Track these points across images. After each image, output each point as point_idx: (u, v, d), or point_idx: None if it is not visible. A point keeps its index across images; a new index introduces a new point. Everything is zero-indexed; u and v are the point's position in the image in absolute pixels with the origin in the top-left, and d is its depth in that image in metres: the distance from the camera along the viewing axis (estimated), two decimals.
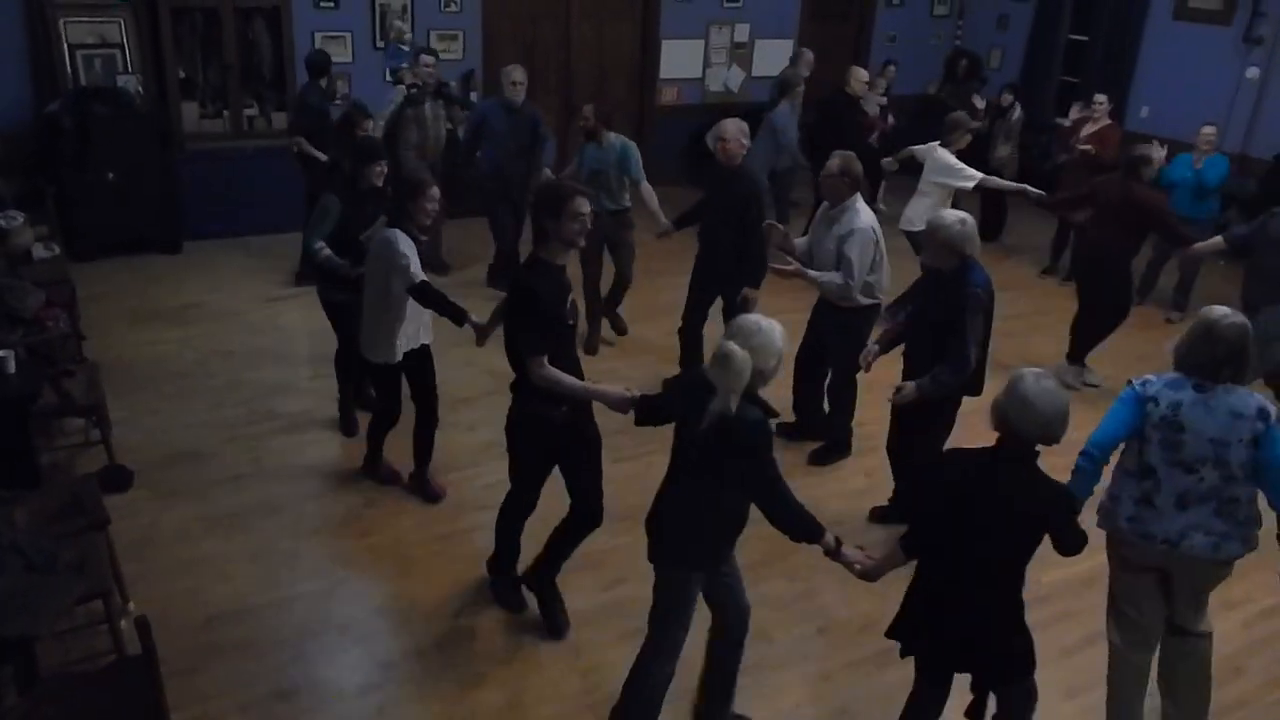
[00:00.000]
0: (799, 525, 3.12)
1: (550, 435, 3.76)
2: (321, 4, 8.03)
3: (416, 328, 4.61)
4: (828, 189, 4.89)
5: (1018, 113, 8.71)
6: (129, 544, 4.22)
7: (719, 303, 5.70)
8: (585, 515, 3.93)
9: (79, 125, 7.04)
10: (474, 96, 8.32)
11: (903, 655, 3.22)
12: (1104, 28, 9.76)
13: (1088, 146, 7.66)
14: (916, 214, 6.68)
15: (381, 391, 4.84)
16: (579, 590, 4.21)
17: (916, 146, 7.05)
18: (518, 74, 6.76)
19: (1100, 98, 7.91)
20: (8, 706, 3.08)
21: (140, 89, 7.43)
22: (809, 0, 10.18)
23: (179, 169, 7.61)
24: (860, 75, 8.29)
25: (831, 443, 5.35)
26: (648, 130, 9.54)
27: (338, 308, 5.06)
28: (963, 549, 2.92)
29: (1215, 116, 8.34)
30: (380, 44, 8.34)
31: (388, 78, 8.07)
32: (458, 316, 4.30)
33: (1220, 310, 3.25)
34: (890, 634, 3.21)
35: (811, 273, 4.87)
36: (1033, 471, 2.90)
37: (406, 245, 4.31)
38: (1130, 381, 3.36)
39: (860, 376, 4.93)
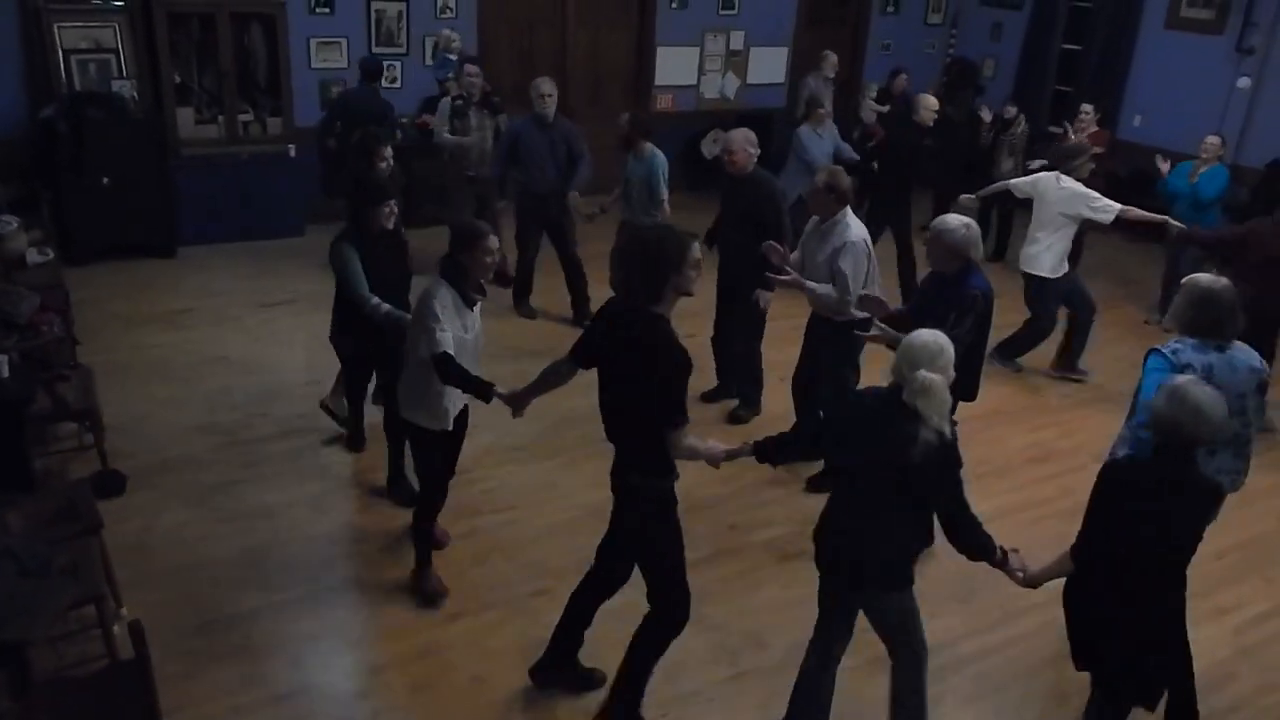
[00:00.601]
0: (982, 542, 3.17)
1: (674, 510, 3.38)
2: (317, 9, 8.04)
3: (454, 394, 3.97)
4: (816, 204, 4.87)
5: (1023, 125, 8.66)
6: (123, 549, 4.20)
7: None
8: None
9: (74, 130, 7.04)
10: (444, 101, 8.31)
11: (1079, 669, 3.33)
12: (1097, 37, 9.82)
13: None
14: (1045, 254, 6.07)
15: (426, 467, 4.11)
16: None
17: (1018, 180, 6.42)
18: (546, 85, 6.50)
19: (1086, 107, 7.95)
20: (1, 712, 3.06)
21: (135, 94, 7.43)
22: (804, 8, 10.23)
23: (174, 174, 7.61)
24: (930, 104, 7.53)
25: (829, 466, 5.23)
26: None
27: (349, 360, 4.88)
28: (1134, 554, 3.04)
29: (1208, 126, 8.40)
30: (429, 62, 8.38)
31: (436, 90, 8.12)
32: (483, 393, 3.69)
33: (1206, 277, 3.75)
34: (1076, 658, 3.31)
35: (810, 284, 4.84)
36: (1196, 470, 3.07)
37: (444, 305, 3.72)
38: (1156, 350, 3.64)
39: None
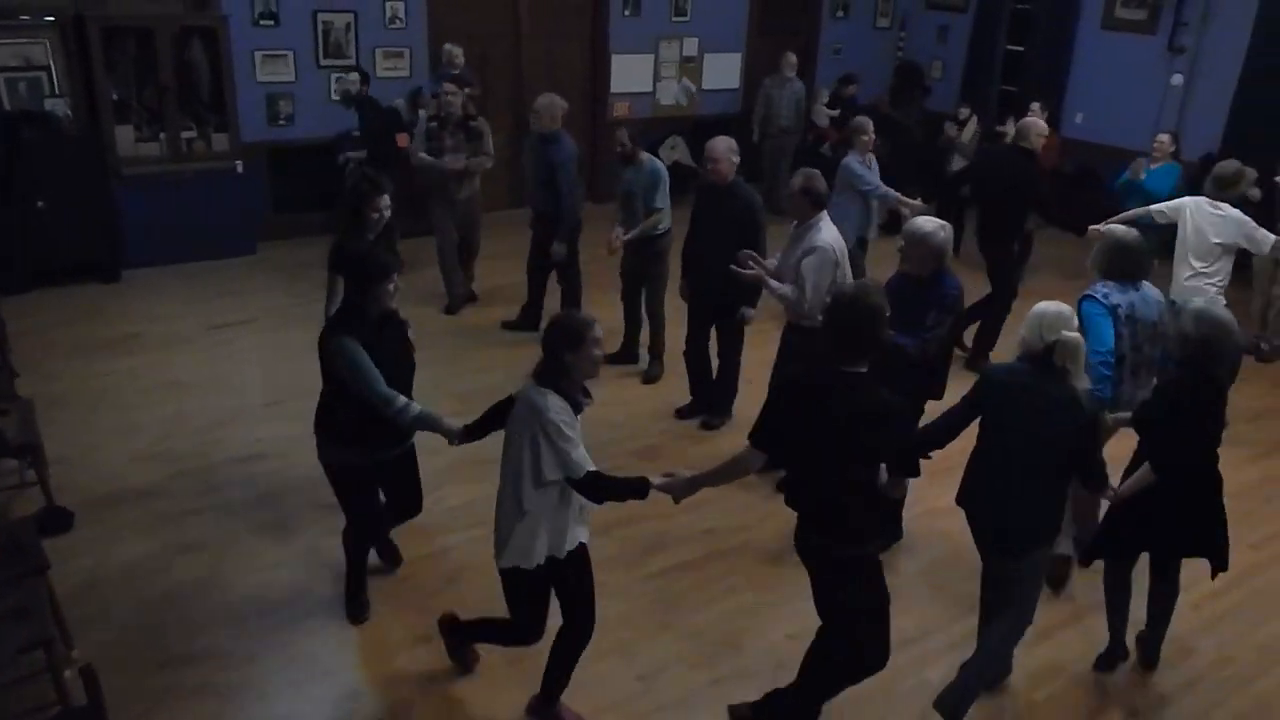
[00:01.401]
0: (1101, 472, 3.51)
1: None
2: (261, 22, 7.88)
3: (566, 522, 3.33)
4: (793, 207, 4.88)
5: (974, 127, 8.78)
6: (74, 588, 4.05)
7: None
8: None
9: (5, 151, 6.79)
10: (421, 115, 8.22)
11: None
12: (1039, 38, 10.01)
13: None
14: (1208, 285, 5.45)
15: (516, 607, 3.49)
16: (550, 611, 4.13)
17: (1160, 205, 5.84)
18: (537, 101, 6.32)
19: (1034, 106, 8.07)
20: None
21: (70, 112, 7.21)
22: (756, 14, 10.29)
23: (115, 195, 7.39)
24: (1040, 129, 6.62)
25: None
26: (600, 145, 9.54)
27: (345, 472, 3.88)
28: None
29: (1145, 122, 8.63)
30: (429, 76, 8.31)
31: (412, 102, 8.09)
32: (640, 492, 3.28)
33: (1120, 229, 4.54)
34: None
35: (772, 282, 4.83)
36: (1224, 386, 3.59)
37: (566, 416, 3.16)
38: (1088, 296, 4.21)
39: None
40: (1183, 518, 3.69)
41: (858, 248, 6.51)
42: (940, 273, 4.26)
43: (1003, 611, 3.60)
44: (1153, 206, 5.90)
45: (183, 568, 4.35)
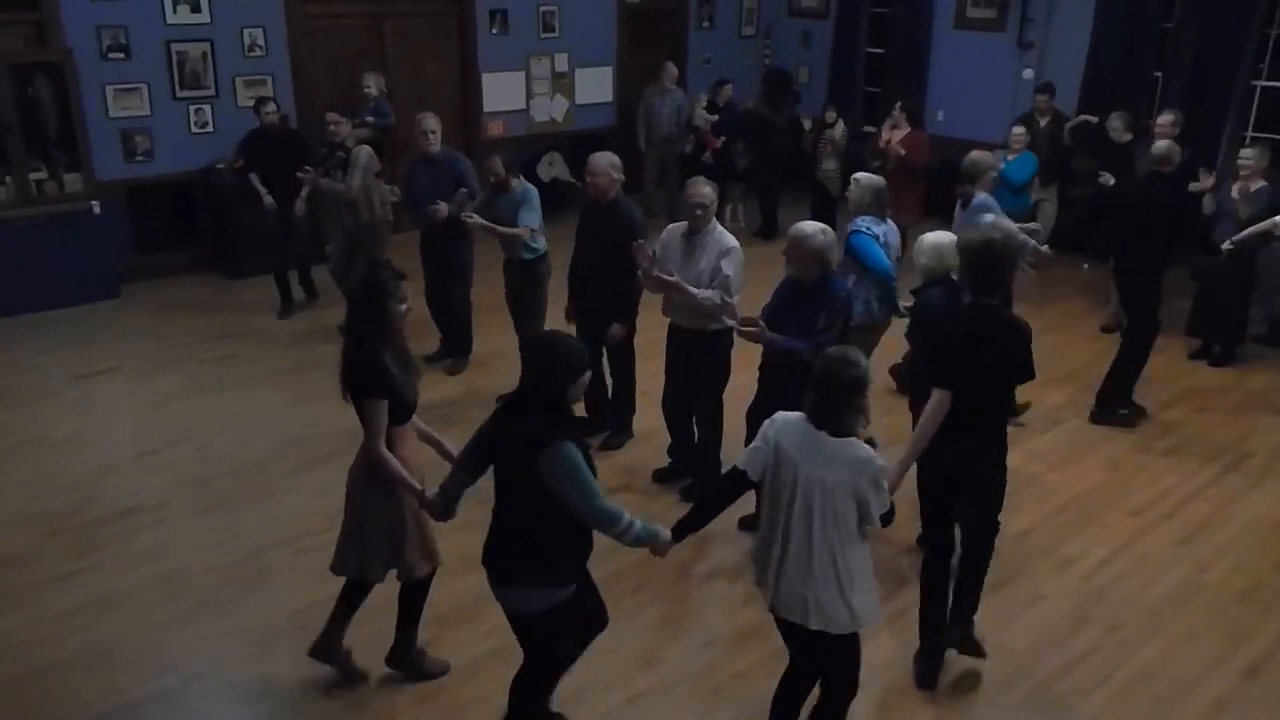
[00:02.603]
0: None
1: None
2: (110, 55, 7.54)
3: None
4: (696, 217, 4.81)
5: (842, 128, 9.02)
6: None
7: None
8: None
9: None
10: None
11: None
12: (897, 40, 10.39)
13: (901, 151, 8.08)
14: None
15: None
16: (459, 644, 4.07)
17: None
18: (428, 122, 6.25)
19: (897, 107, 8.37)
20: None
21: None
22: (624, 27, 10.38)
23: None
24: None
25: (702, 476, 5.08)
26: (475, 164, 9.39)
27: (559, 615, 3.20)
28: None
29: (1000, 116, 9.04)
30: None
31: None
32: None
33: (869, 175, 5.49)
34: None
35: (692, 289, 4.73)
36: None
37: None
38: (857, 230, 5.12)
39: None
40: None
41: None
42: (827, 276, 4.36)
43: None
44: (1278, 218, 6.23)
45: (61, 636, 4.10)
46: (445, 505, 3.37)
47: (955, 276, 4.30)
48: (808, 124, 9.23)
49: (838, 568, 3.02)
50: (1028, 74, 9.39)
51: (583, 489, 2.97)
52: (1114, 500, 5.27)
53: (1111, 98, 8.65)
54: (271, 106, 7.16)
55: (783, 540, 3.06)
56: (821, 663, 3.26)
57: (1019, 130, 7.90)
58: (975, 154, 6.08)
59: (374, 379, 3.41)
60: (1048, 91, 8.57)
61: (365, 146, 6.86)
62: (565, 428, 3.01)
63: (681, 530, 3.29)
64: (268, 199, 7.17)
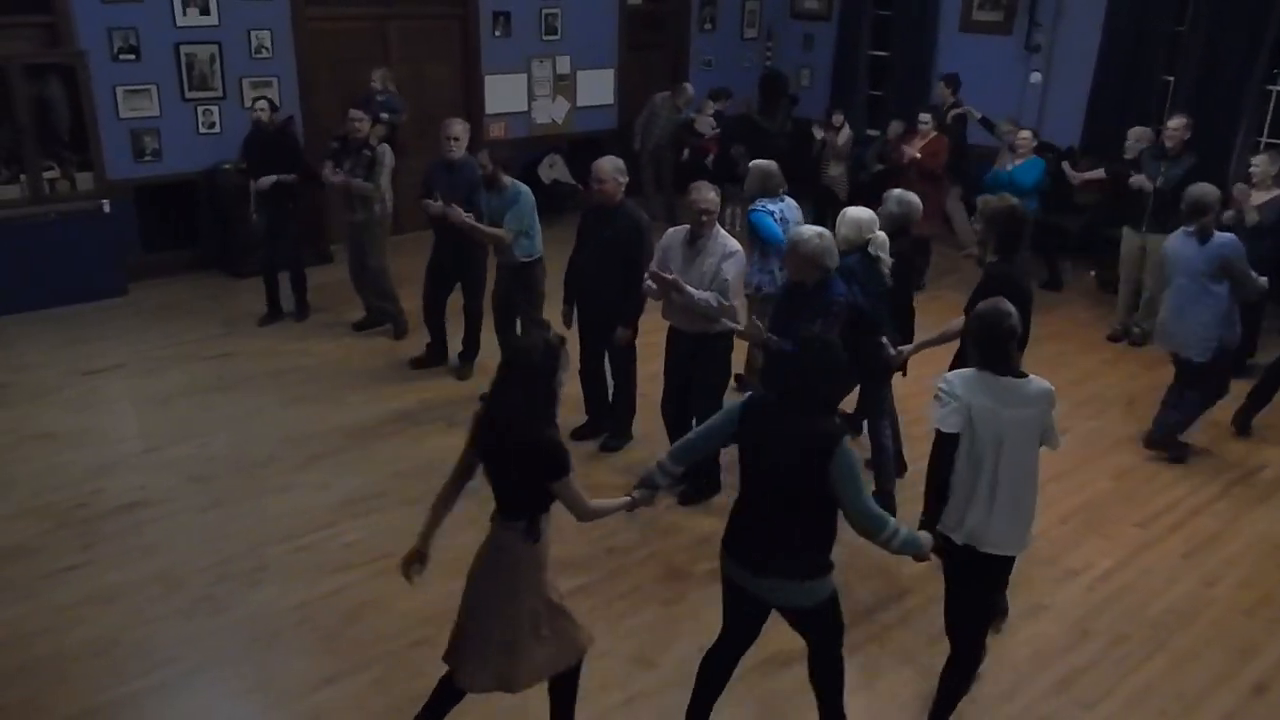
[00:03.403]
0: None
1: None
2: (121, 57, 7.61)
3: None
4: (702, 223, 4.83)
5: (848, 132, 8.96)
6: None
7: None
8: None
9: None
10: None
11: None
12: (900, 43, 10.38)
13: (917, 154, 8.06)
14: None
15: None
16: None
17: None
18: (453, 128, 6.18)
19: (925, 117, 8.35)
20: None
21: None
22: (625, 30, 10.41)
23: None
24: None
25: (700, 481, 5.12)
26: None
27: (834, 605, 3.34)
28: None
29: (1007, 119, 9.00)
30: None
31: None
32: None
33: (761, 161, 5.96)
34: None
35: (690, 290, 4.77)
36: None
37: None
38: (755, 209, 5.65)
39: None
40: None
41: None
42: (826, 280, 4.37)
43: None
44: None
45: (65, 627, 4.15)
46: (651, 496, 3.45)
47: (871, 250, 4.67)
48: (819, 132, 9.05)
49: (1031, 495, 3.37)
50: (1035, 78, 9.37)
51: (860, 489, 3.08)
52: (1119, 511, 5.23)
53: (1121, 102, 8.63)
54: (262, 104, 7.01)
55: (990, 482, 3.29)
56: (991, 588, 3.61)
57: (1026, 133, 7.86)
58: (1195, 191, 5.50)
59: (566, 457, 3.09)
60: (952, 85, 8.98)
61: (386, 145, 6.92)
62: (844, 428, 3.15)
63: (930, 524, 3.39)
64: (254, 199, 7.02)
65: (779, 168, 5.87)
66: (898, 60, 10.41)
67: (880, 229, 4.79)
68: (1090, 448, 5.86)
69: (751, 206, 5.76)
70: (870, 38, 10.77)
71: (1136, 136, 7.61)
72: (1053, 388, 3.34)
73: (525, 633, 3.13)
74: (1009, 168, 7.67)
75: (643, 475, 3.43)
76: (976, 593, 3.49)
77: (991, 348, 3.28)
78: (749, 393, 3.51)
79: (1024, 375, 3.31)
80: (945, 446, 3.30)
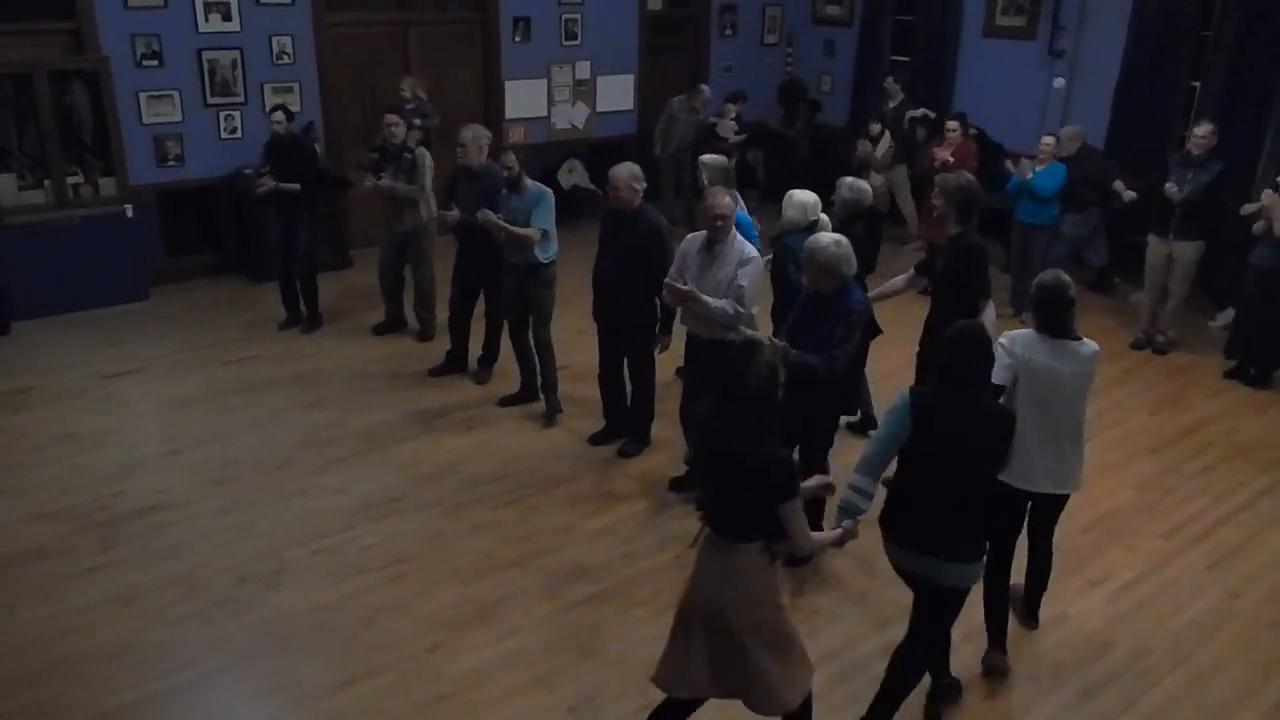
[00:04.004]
0: None
1: None
2: (144, 62, 7.68)
3: None
4: (717, 228, 4.80)
5: (888, 142, 8.83)
6: None
7: None
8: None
9: None
10: (318, 149, 8.09)
11: None
12: (922, 48, 10.33)
13: (950, 157, 8.01)
14: None
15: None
16: (472, 647, 4.11)
17: None
18: (463, 134, 6.18)
19: (952, 124, 8.32)
20: None
21: None
22: (645, 35, 10.42)
23: (0, 244, 7.09)
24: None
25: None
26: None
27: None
28: None
29: (1030, 125, 8.96)
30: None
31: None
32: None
33: (708, 155, 6.14)
34: None
35: (705, 298, 4.75)
36: None
37: None
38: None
39: None
40: None
41: None
42: (844, 288, 4.33)
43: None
44: None
45: (87, 628, 4.18)
46: (856, 525, 3.43)
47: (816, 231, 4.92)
48: (859, 143, 8.84)
49: (1079, 442, 3.90)
50: (1059, 83, 9.30)
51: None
52: (1142, 521, 5.16)
53: (1146, 108, 8.55)
54: (278, 115, 6.92)
55: (1049, 429, 3.79)
56: (1052, 526, 4.09)
57: (1049, 140, 7.76)
58: None
59: (797, 479, 3.06)
60: (901, 81, 9.40)
61: (424, 149, 6.95)
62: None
63: None
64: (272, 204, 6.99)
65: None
66: (919, 66, 10.36)
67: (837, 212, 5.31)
68: (1112, 456, 5.79)
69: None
70: (891, 43, 10.72)
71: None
72: (1099, 348, 3.87)
73: (772, 650, 3.11)
74: (1029, 175, 7.59)
75: (841, 504, 3.48)
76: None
77: (1051, 313, 3.77)
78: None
79: (1078, 338, 3.80)
80: (995, 394, 3.70)
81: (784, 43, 11.57)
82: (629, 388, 5.68)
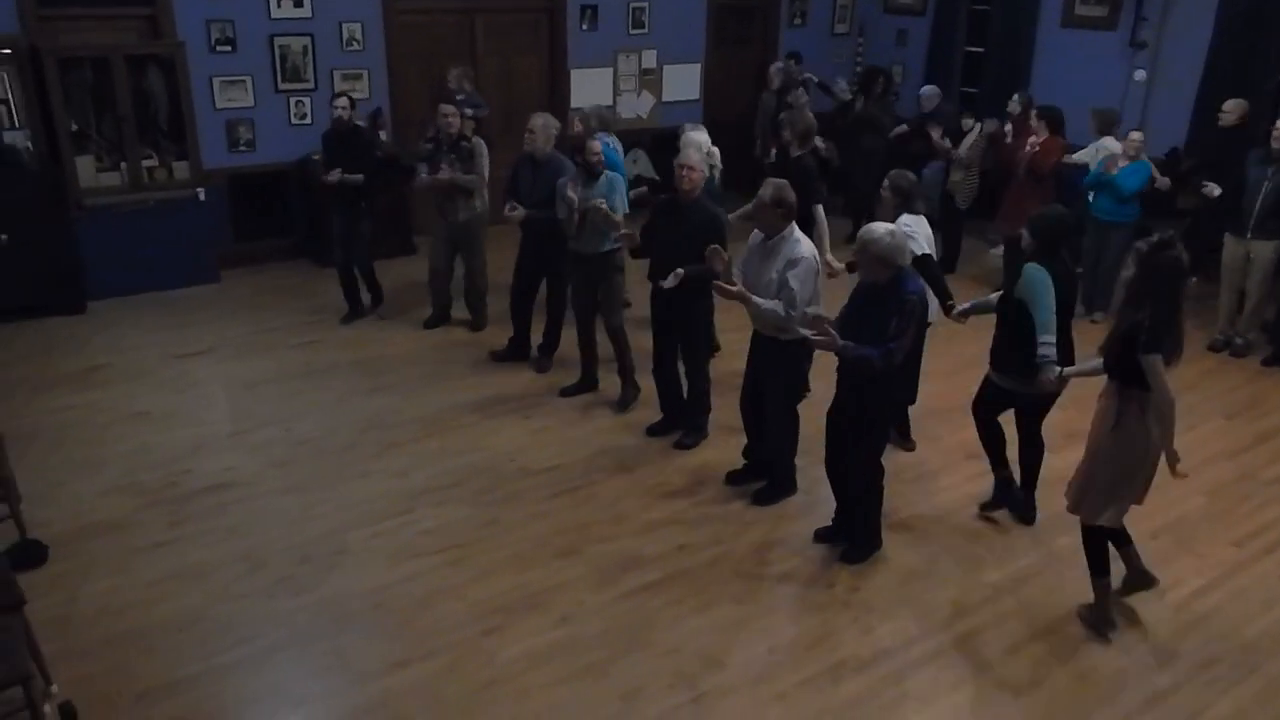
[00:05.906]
0: None
1: None
2: (218, 48, 7.85)
3: None
4: (763, 221, 4.75)
5: (976, 135, 8.50)
6: (48, 622, 3.99)
7: None
8: None
9: None
10: (383, 135, 8.19)
11: None
12: (997, 38, 10.08)
13: (1038, 147, 7.71)
14: None
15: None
16: (525, 633, 4.13)
17: None
18: (533, 120, 6.20)
19: (1034, 114, 8.06)
20: None
21: (30, 145, 7.14)
22: (713, 24, 10.34)
23: (77, 226, 7.32)
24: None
25: (775, 481, 5.14)
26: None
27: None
28: None
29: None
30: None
31: None
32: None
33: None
34: None
35: (755, 299, 4.69)
36: None
37: None
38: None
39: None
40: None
41: None
42: (899, 278, 4.22)
43: None
44: None
45: (154, 600, 4.30)
46: None
47: (709, 161, 5.46)
48: (946, 143, 8.57)
49: None
50: (1140, 75, 9.00)
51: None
52: (1213, 529, 4.99)
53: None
54: (343, 101, 6.90)
55: None
56: None
57: (1137, 135, 7.41)
58: None
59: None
60: (794, 56, 9.76)
61: (479, 138, 6.97)
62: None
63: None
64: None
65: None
66: (994, 56, 10.12)
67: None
68: (1184, 461, 5.58)
69: None
70: (966, 33, 10.48)
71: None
72: None
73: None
74: (1114, 170, 7.32)
75: (1040, 359, 4.46)
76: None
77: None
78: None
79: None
80: None
81: (855, 32, 11.39)
82: (684, 380, 5.65)
